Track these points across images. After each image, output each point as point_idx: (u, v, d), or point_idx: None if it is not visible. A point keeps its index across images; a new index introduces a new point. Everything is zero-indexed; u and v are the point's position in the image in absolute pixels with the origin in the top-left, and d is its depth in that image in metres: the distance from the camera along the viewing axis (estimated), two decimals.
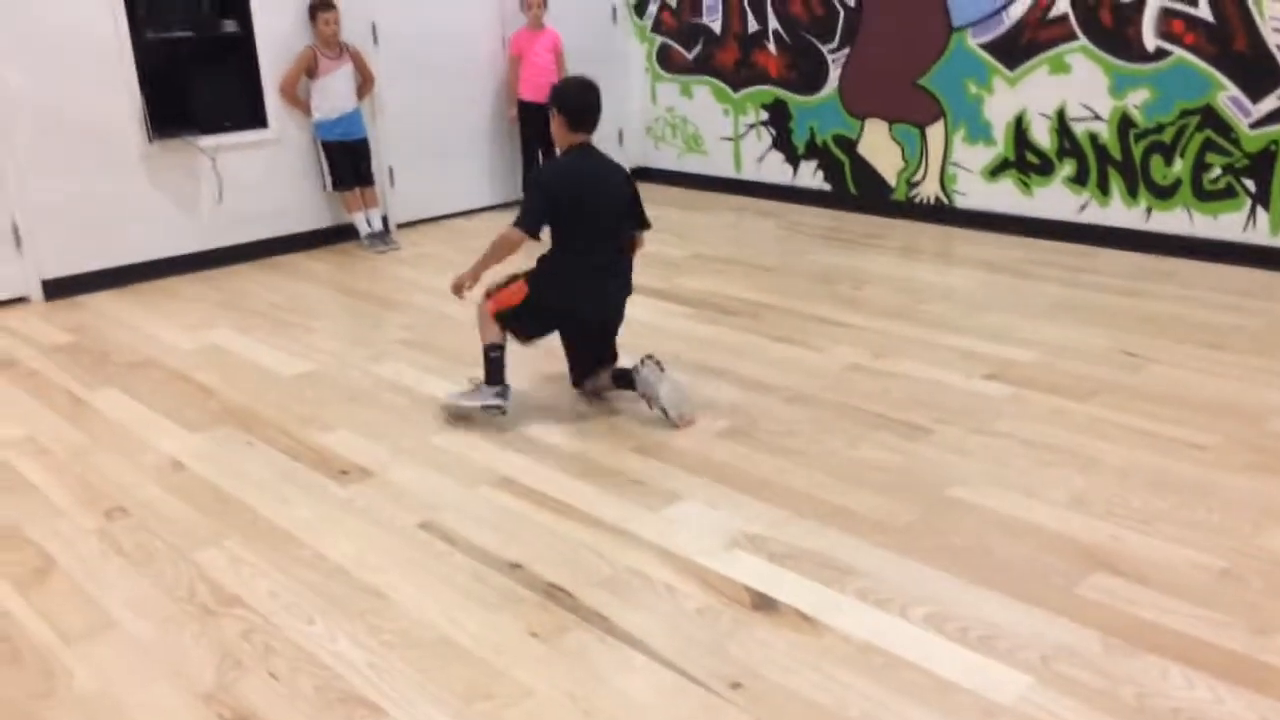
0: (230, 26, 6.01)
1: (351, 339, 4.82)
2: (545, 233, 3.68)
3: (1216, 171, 5.21)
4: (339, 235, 6.54)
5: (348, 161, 6.33)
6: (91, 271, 5.70)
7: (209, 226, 6.08)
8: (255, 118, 6.16)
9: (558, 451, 3.55)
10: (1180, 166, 5.33)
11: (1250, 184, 5.12)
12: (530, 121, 6.84)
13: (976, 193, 6.18)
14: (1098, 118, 5.57)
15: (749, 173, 7.37)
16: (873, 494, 3.15)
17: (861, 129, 6.66)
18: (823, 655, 2.41)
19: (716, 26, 7.26)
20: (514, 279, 3.79)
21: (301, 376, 4.33)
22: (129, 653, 2.54)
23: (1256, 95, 5.02)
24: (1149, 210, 5.50)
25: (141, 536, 3.09)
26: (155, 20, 5.71)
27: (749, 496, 3.16)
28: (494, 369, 3.76)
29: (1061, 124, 5.71)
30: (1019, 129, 5.89)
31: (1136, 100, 5.39)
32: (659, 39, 7.68)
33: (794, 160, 7.09)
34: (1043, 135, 5.80)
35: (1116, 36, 5.39)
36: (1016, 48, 5.78)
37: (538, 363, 4.16)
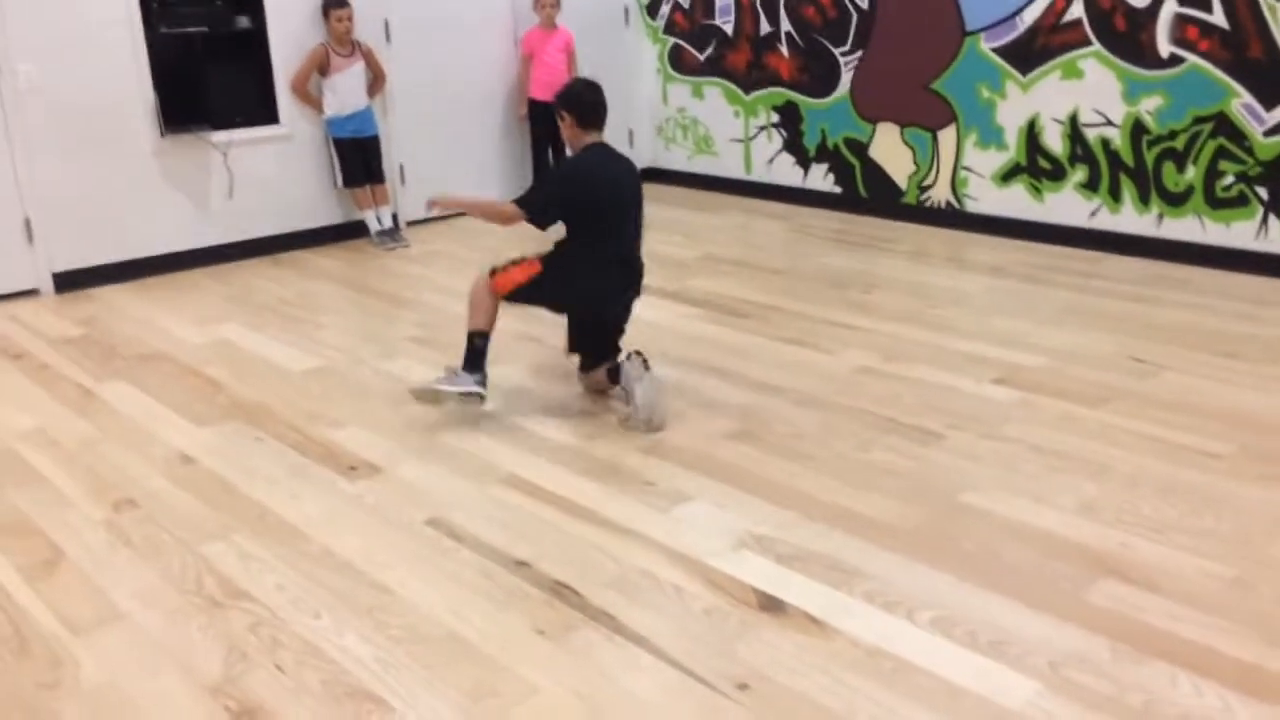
0: (244, 22, 6.03)
1: (361, 335, 4.82)
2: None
3: (1229, 179, 5.20)
4: (349, 232, 6.55)
5: (359, 158, 6.34)
6: (102, 265, 5.72)
7: (220, 221, 6.09)
8: (267, 114, 6.17)
9: (566, 450, 3.55)
10: (1193, 173, 5.32)
11: (1263, 192, 5.10)
12: (541, 120, 6.84)
13: (988, 197, 6.17)
14: (1110, 123, 5.55)
15: (759, 174, 7.37)
16: (882, 497, 3.14)
17: (873, 132, 6.65)
18: (831, 658, 2.41)
19: (729, 28, 7.26)
20: (523, 259, 3.78)
21: (311, 372, 4.33)
22: (136, 644, 2.55)
23: (1270, 103, 5.00)
24: (1161, 217, 5.48)
25: (150, 529, 3.09)
26: (169, 15, 5.73)
27: (757, 498, 3.16)
28: (475, 356, 3.72)
29: (1074, 129, 5.70)
30: (1031, 134, 5.88)
31: (1150, 106, 5.37)
32: (671, 40, 7.68)
33: (804, 163, 7.08)
34: (1055, 140, 5.79)
35: (1130, 42, 5.38)
36: (1030, 52, 5.76)
37: (546, 360, 4.16)
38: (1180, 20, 5.20)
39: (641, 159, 7.83)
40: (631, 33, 7.81)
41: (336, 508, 3.20)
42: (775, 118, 7.16)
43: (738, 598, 2.65)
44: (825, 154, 6.95)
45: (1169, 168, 5.39)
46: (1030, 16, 5.71)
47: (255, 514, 3.17)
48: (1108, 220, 5.68)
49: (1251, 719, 2.17)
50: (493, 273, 3.77)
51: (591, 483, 3.29)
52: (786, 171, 7.19)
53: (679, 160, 7.88)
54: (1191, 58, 5.19)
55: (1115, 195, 5.63)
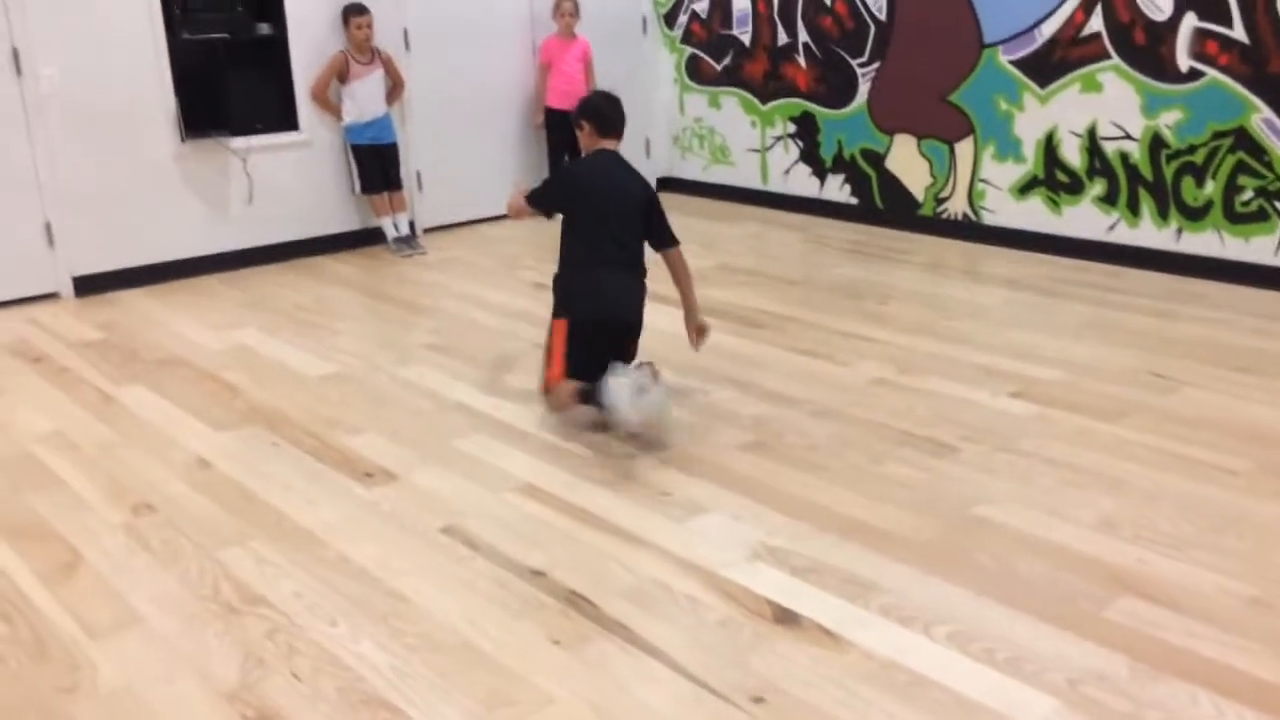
0: (265, 29, 6.07)
1: (378, 342, 4.84)
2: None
3: (1249, 194, 5.17)
4: (366, 238, 6.58)
5: (377, 165, 6.37)
6: (122, 269, 5.76)
7: (239, 227, 6.13)
8: (287, 120, 6.21)
9: (582, 459, 3.55)
10: (1212, 188, 5.30)
11: None
12: (557, 129, 6.86)
13: (1005, 210, 6.16)
14: (1129, 137, 5.53)
15: (775, 185, 7.37)
16: (897, 510, 3.13)
17: (890, 144, 6.65)
18: (845, 671, 2.40)
19: (746, 39, 7.27)
20: (549, 341, 3.83)
21: (327, 378, 4.35)
22: (154, 649, 2.56)
23: None
24: (1179, 231, 5.46)
25: (168, 533, 3.11)
26: (191, 21, 5.77)
27: (772, 510, 3.15)
28: (587, 399, 3.65)
29: (1092, 143, 5.69)
30: (1049, 147, 5.87)
31: (1169, 120, 5.36)
32: (688, 50, 7.69)
33: (821, 173, 7.08)
34: (1073, 154, 5.78)
35: (1150, 56, 5.36)
36: (1048, 65, 5.75)
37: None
38: (1200, 34, 5.18)
39: (658, 168, 7.85)
40: (649, 42, 7.83)
41: (353, 514, 3.21)
42: (792, 128, 7.17)
43: (752, 609, 2.65)
44: (842, 165, 6.95)
45: (1188, 182, 5.37)
46: (1049, 29, 5.71)
47: (272, 519, 3.18)
48: (1126, 234, 5.66)
49: None
50: (545, 384, 3.83)
51: (607, 492, 3.30)
52: (803, 182, 7.19)
53: (695, 170, 7.89)
54: (1211, 72, 5.18)
55: (1134, 209, 5.61)
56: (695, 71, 7.69)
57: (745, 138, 7.48)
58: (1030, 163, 5.97)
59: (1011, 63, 5.91)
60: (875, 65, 6.59)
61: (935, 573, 2.79)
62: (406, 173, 6.62)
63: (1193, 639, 2.48)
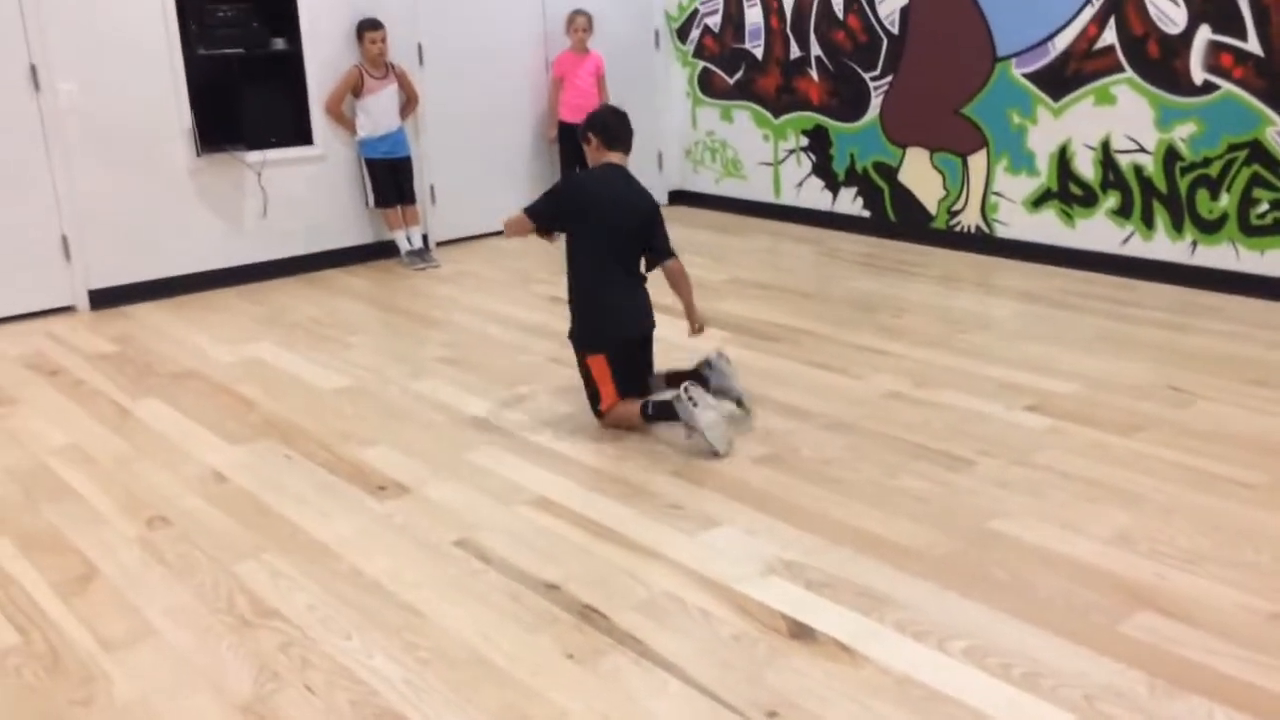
0: (280, 45, 6.11)
1: (391, 355, 4.85)
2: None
3: (1264, 206, 5.15)
4: (380, 252, 6.61)
5: (390, 179, 6.40)
6: (137, 282, 5.80)
7: (253, 241, 6.16)
8: (301, 134, 6.25)
9: (595, 473, 3.55)
10: (1227, 201, 5.28)
11: None
12: (570, 142, 6.86)
13: (1018, 223, 6.14)
14: (1143, 150, 5.52)
15: (788, 198, 7.37)
16: (912, 524, 3.12)
17: (903, 157, 6.64)
18: (860, 686, 2.39)
19: (759, 52, 7.29)
20: (590, 377, 3.86)
21: (341, 391, 4.36)
22: (168, 662, 2.56)
23: None
24: (1194, 244, 5.44)
25: (182, 546, 3.12)
26: (207, 37, 5.82)
27: (786, 523, 3.14)
28: (663, 413, 3.69)
29: (1106, 156, 5.67)
30: (1062, 160, 5.86)
31: (1183, 133, 5.34)
32: (700, 64, 7.71)
33: (833, 186, 7.08)
34: (1086, 167, 5.77)
35: (1164, 69, 5.35)
36: (1061, 78, 5.75)
37: (575, 381, 4.16)
38: (1214, 47, 5.17)
39: (670, 182, 7.87)
40: (661, 56, 7.86)
41: (366, 527, 3.21)
42: (804, 141, 7.17)
43: (766, 624, 2.64)
44: (854, 178, 6.95)
45: (1202, 195, 5.35)
46: (1062, 43, 5.70)
47: (286, 533, 3.19)
48: (1140, 247, 5.64)
49: None
50: (599, 413, 3.87)
51: (620, 505, 3.29)
52: (815, 195, 7.19)
53: (707, 183, 7.90)
54: (1226, 85, 5.16)
55: (1148, 222, 5.59)
56: (708, 85, 7.71)
57: (757, 151, 7.49)
58: (1044, 176, 5.96)
59: (1025, 76, 5.91)
60: (888, 79, 6.59)
61: (951, 587, 2.77)
62: (420, 186, 6.64)
63: (1211, 655, 2.46)
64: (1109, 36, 5.52)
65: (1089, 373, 4.30)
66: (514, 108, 7.13)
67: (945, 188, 6.46)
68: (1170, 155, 5.43)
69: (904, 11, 6.40)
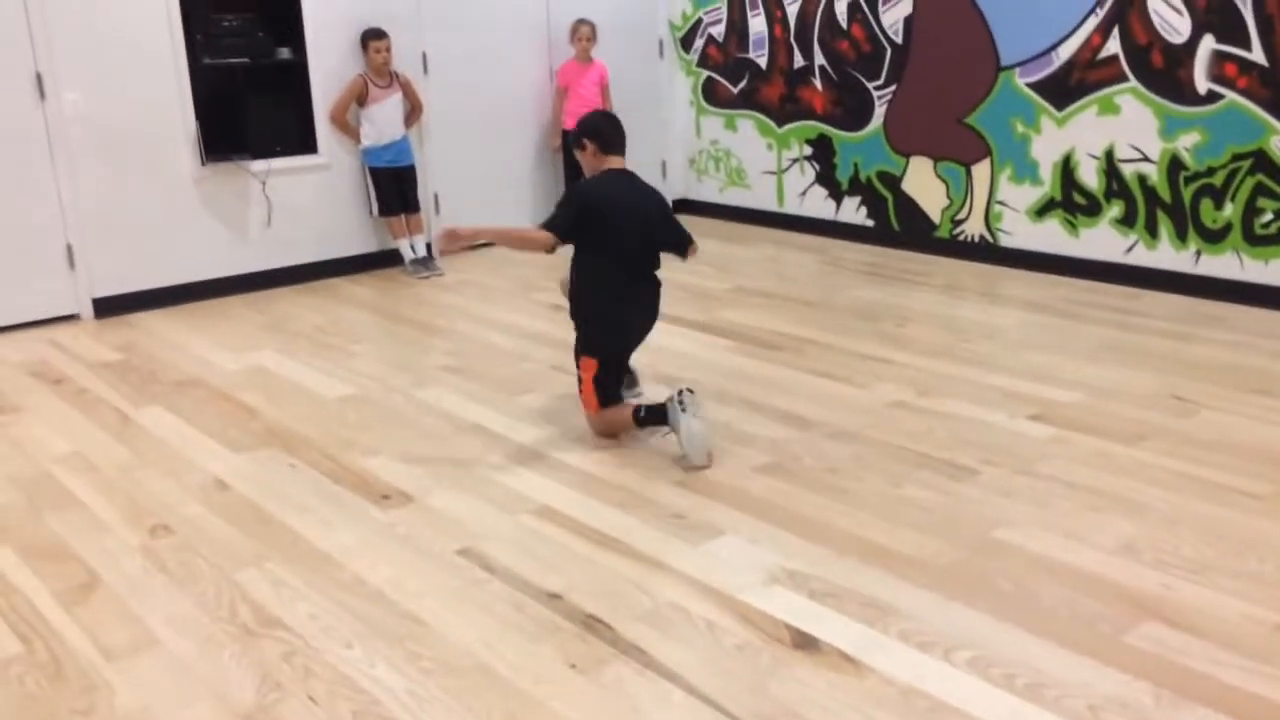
0: (285, 54, 6.13)
1: (394, 364, 4.85)
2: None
3: (1268, 216, 5.15)
4: (384, 260, 6.62)
5: (395, 188, 6.41)
6: (141, 291, 5.81)
7: (257, 249, 6.17)
8: (306, 143, 6.27)
9: (598, 482, 3.54)
10: (1231, 210, 5.27)
11: None
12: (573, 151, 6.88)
13: (1022, 232, 6.14)
14: (1147, 159, 5.52)
15: (791, 207, 7.38)
16: (916, 533, 3.11)
17: (906, 166, 6.65)
18: (864, 697, 2.38)
19: (762, 62, 7.30)
20: (579, 372, 3.85)
21: (344, 400, 4.36)
22: (170, 671, 2.56)
23: None
24: (1198, 254, 5.43)
25: (185, 555, 3.11)
26: (212, 47, 5.84)
27: (790, 533, 3.14)
28: (653, 417, 3.69)
29: (1110, 165, 5.67)
30: (1066, 169, 5.85)
31: (1187, 143, 5.34)
32: (704, 73, 7.72)
33: (837, 195, 7.08)
34: (1090, 176, 5.76)
35: (1168, 79, 5.35)
36: (1065, 88, 5.75)
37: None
38: (1218, 57, 5.17)
39: (674, 190, 7.87)
40: (665, 66, 7.87)
41: (369, 536, 3.21)
42: (808, 150, 7.18)
43: (770, 634, 2.63)
44: (858, 187, 6.95)
45: (1207, 204, 5.35)
46: (1066, 52, 5.71)
47: (289, 541, 3.18)
48: (1144, 256, 5.64)
49: None
50: (589, 416, 3.88)
51: (623, 515, 3.29)
52: (819, 204, 7.20)
53: (711, 192, 7.90)
54: (1230, 94, 5.16)
55: (1152, 231, 5.59)
56: (711, 94, 7.72)
57: (761, 160, 7.50)
58: (1047, 185, 5.96)
59: (1028, 85, 5.91)
60: (892, 88, 6.60)
61: (955, 597, 2.76)
62: (424, 195, 6.65)
63: (1216, 666, 2.44)
64: (1113, 46, 5.52)
65: (1093, 382, 4.29)
66: (518, 117, 7.14)
67: (949, 197, 6.46)
68: (1174, 165, 5.42)
69: (908, 21, 6.41)
